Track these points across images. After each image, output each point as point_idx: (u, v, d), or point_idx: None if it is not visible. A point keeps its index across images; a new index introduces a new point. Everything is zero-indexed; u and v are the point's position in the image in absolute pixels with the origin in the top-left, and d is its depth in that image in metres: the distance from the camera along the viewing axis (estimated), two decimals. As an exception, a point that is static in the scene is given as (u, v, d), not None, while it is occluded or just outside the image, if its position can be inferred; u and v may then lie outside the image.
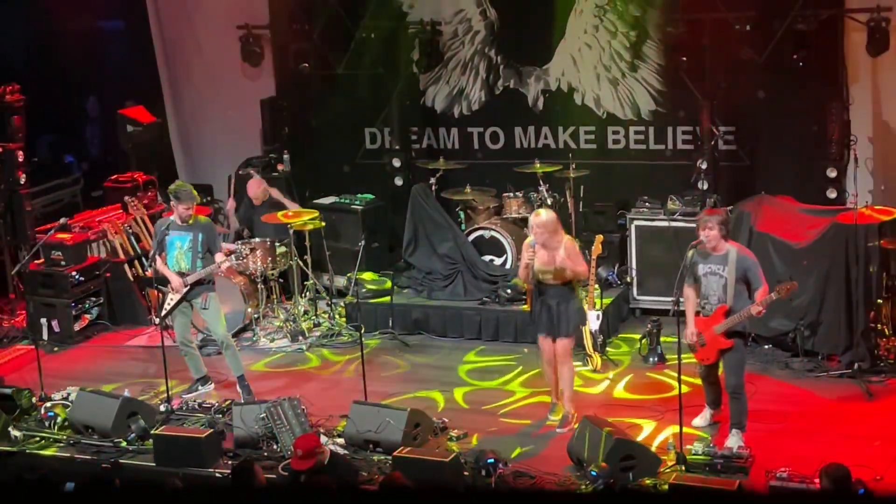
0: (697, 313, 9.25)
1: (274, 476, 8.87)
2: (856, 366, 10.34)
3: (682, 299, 9.19)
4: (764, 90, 12.58)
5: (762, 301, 8.97)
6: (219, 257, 10.49)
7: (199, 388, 10.76)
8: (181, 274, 10.45)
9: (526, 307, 10.46)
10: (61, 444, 9.93)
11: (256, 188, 13.00)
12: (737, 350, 9.17)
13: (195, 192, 10.61)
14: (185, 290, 10.43)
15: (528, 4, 13.33)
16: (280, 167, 14.09)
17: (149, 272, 12.66)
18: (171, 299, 10.51)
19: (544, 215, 9.79)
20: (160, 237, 10.54)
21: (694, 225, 11.43)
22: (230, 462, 9.28)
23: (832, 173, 12.04)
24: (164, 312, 10.57)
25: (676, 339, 9.11)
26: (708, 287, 9.18)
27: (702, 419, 9.59)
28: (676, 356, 9.02)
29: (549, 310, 9.77)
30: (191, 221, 10.45)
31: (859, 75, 12.30)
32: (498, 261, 12.53)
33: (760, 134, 12.75)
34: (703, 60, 12.63)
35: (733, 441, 9.07)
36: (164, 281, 10.54)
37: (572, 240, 10.07)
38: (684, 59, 12.69)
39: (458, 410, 10.28)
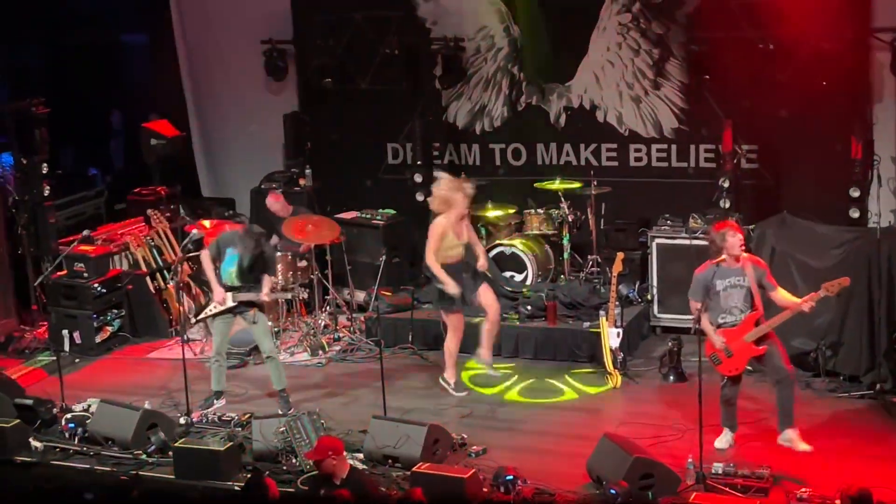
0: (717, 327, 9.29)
1: (292, 490, 8.88)
2: (877, 386, 10.29)
3: (697, 325, 9.20)
4: (787, 109, 12.55)
5: (813, 297, 9.05)
6: (266, 283, 10.61)
7: (215, 401, 10.81)
8: (231, 288, 10.55)
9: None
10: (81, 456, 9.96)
11: (275, 201, 12.94)
12: (775, 346, 9.25)
13: (257, 243, 10.62)
14: (229, 304, 10.52)
15: (552, 21, 13.33)
16: (302, 182, 14.13)
17: (171, 285, 12.78)
18: (213, 308, 10.57)
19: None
20: (222, 245, 10.66)
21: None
22: (248, 476, 9.30)
23: (855, 193, 11.99)
24: (202, 315, 10.63)
25: (698, 359, 9.10)
26: (728, 300, 9.21)
27: (723, 442, 9.49)
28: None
29: (462, 284, 10.65)
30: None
31: (883, 95, 12.26)
32: (518, 277, 12.53)
33: (783, 153, 12.72)
34: (726, 79, 12.62)
35: (791, 436, 9.24)
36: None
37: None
38: (707, 77, 12.69)
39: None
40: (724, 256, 9.25)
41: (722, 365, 9.30)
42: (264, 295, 10.57)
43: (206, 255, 10.80)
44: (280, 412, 10.33)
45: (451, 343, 10.90)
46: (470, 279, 10.83)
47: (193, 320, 10.79)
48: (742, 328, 9.17)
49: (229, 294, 10.59)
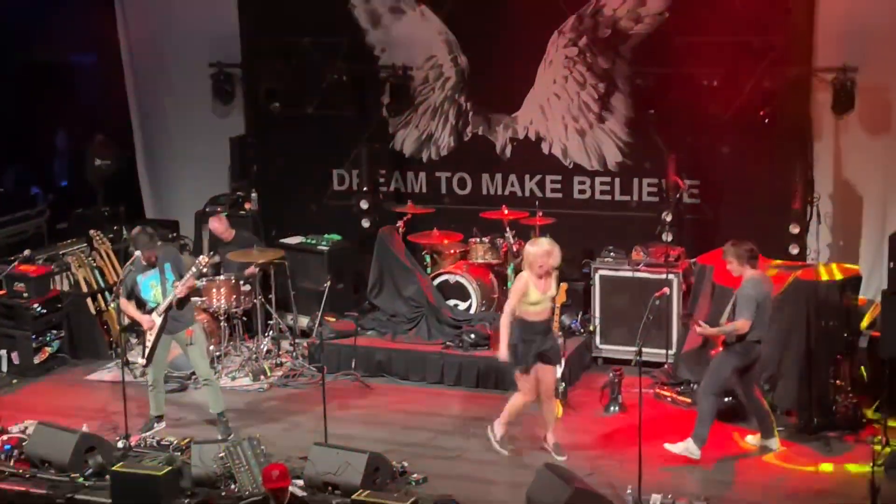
0: None
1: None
2: (814, 421, 10.42)
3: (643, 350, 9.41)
4: (729, 145, 12.74)
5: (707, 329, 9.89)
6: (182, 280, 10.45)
7: (155, 425, 10.73)
8: (153, 309, 10.46)
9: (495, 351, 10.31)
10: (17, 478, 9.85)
11: (218, 224, 12.89)
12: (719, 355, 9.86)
13: (151, 238, 10.45)
14: (158, 322, 10.41)
15: (499, 53, 13.45)
16: (248, 205, 14.10)
17: (111, 307, 12.70)
18: (150, 338, 10.47)
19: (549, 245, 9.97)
20: (129, 281, 10.51)
21: (657, 276, 11.66)
22: (188, 501, 9.24)
23: (795, 230, 12.17)
24: (146, 353, 10.52)
25: (638, 390, 9.18)
26: None
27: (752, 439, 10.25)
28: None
29: (532, 343, 9.86)
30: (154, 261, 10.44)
31: (823, 134, 12.50)
32: (462, 305, 12.58)
33: (725, 188, 12.90)
34: (670, 114, 12.78)
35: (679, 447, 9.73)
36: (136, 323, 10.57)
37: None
38: (652, 111, 12.85)
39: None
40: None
41: None
42: (178, 291, 10.34)
43: (123, 301, 10.61)
44: (220, 437, 10.28)
45: (517, 401, 10.13)
46: (530, 344, 9.92)
47: (145, 363, 10.67)
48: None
49: (153, 314, 10.49)
